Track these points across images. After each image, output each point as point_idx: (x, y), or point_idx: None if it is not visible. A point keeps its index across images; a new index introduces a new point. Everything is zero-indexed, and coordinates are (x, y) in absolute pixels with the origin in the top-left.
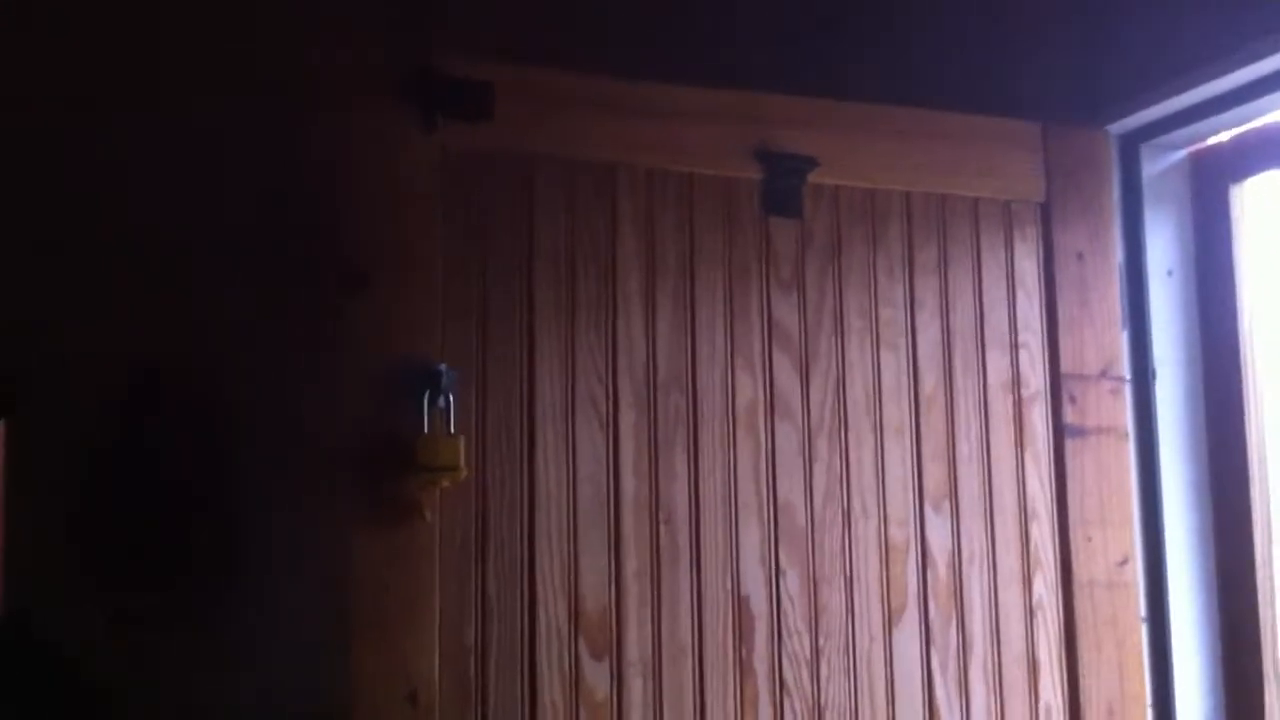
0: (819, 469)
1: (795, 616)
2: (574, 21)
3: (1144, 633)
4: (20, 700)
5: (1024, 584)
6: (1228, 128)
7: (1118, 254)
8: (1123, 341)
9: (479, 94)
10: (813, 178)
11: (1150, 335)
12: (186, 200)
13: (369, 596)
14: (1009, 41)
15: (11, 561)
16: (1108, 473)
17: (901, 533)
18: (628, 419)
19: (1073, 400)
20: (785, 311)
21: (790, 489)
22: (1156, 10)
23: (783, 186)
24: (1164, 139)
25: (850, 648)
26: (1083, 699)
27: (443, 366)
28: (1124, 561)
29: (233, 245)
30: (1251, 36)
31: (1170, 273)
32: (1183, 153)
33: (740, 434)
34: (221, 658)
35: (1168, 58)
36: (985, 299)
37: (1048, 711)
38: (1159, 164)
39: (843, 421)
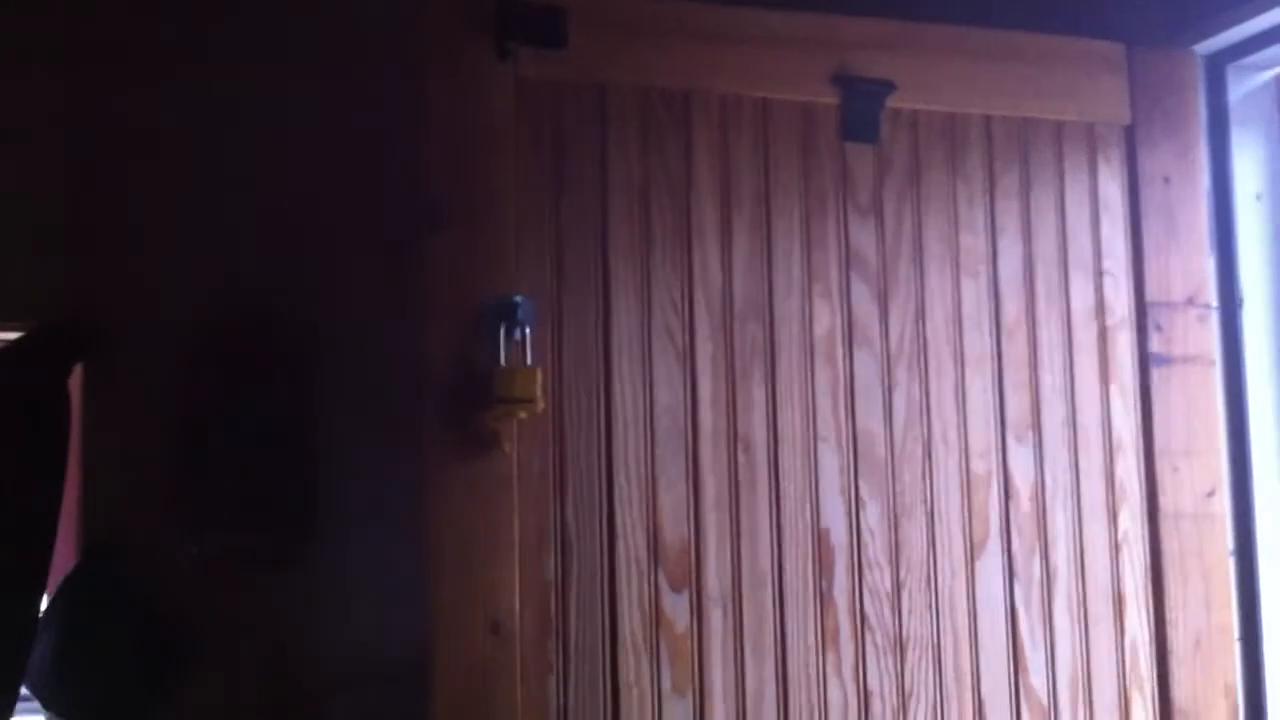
0: (898, 399)
1: (875, 549)
2: None
3: (1232, 565)
4: (107, 635)
5: (1109, 516)
6: None
7: (1204, 178)
8: (1209, 268)
9: (552, 20)
10: (891, 102)
11: (1237, 262)
12: (271, 142)
13: (449, 529)
14: None
15: (97, 498)
16: (1194, 402)
17: (983, 464)
18: (704, 350)
19: (1159, 328)
20: (863, 239)
21: (869, 419)
22: None
23: (860, 111)
24: (1251, 59)
25: (932, 581)
26: (1169, 632)
27: (519, 298)
28: (1211, 493)
29: (314, 185)
30: None
31: (1259, 197)
32: (1271, 73)
33: (818, 364)
34: (307, 595)
35: None
36: (1069, 225)
37: (1133, 645)
38: (1246, 85)
39: (922, 350)
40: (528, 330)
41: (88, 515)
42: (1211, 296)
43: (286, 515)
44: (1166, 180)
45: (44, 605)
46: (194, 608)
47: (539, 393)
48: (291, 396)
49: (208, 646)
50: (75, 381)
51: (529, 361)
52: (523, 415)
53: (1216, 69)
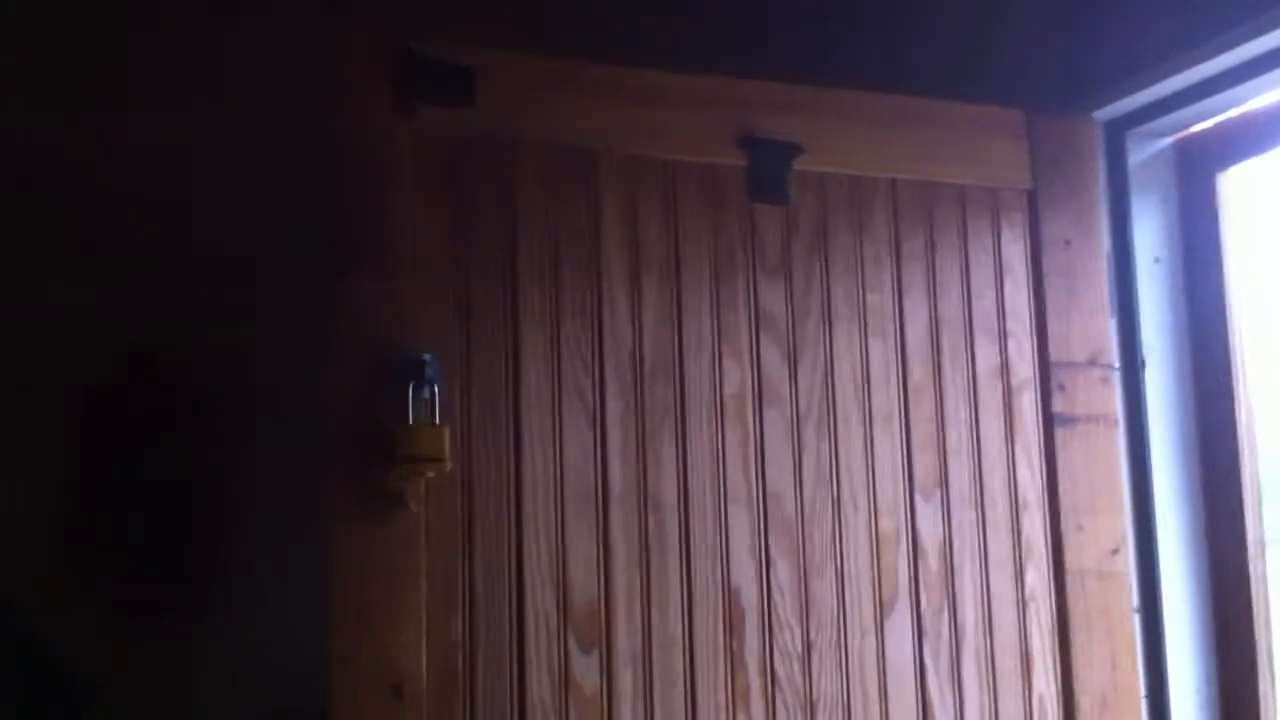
0: (808, 458)
1: (786, 608)
2: (556, 6)
3: (1137, 622)
4: None
5: (1016, 574)
6: (1212, 115)
7: (1105, 241)
8: (1111, 329)
9: (460, 78)
10: (798, 164)
11: (1139, 322)
12: (168, 191)
13: (353, 589)
14: (994, 28)
15: None
16: (1098, 461)
17: (892, 522)
18: (615, 408)
19: (1062, 388)
20: (772, 299)
21: (779, 478)
22: None
23: (768, 173)
24: (1149, 126)
25: (842, 640)
26: (1076, 689)
27: (427, 356)
28: (1116, 550)
29: (214, 236)
30: (1233, 22)
31: (1157, 260)
32: (1168, 140)
33: (728, 423)
34: (203, 651)
35: (1151, 44)
36: (973, 286)
37: (1041, 702)
38: (1144, 151)
39: (831, 410)
40: (436, 388)
41: None
42: (1113, 357)
43: (174, 571)
44: (1068, 243)
45: None
46: (88, 661)
47: (447, 452)
48: (192, 446)
49: (101, 701)
50: None
51: (437, 420)
52: (430, 475)
53: (1116, 135)
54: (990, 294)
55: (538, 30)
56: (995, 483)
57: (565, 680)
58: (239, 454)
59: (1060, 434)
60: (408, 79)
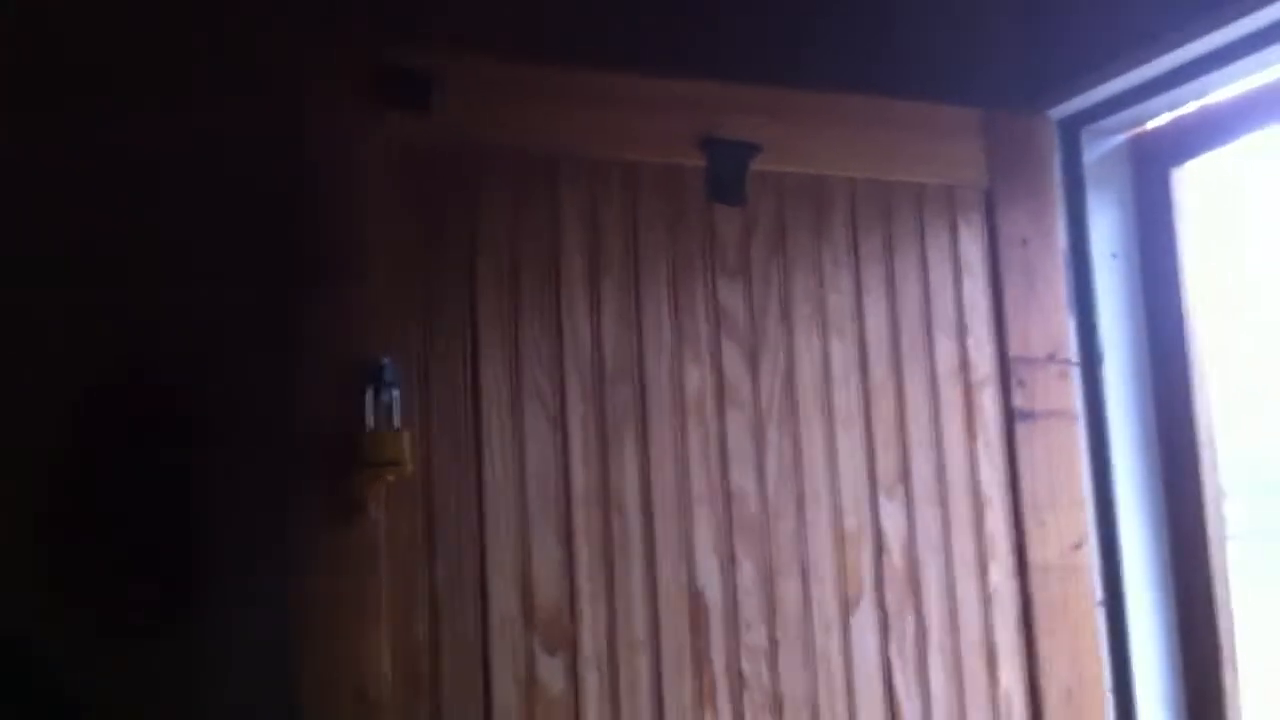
0: (770, 457)
1: (750, 608)
2: (517, 10)
3: (1100, 616)
4: None
5: (979, 570)
6: (1166, 110)
7: (1061, 238)
8: (1069, 325)
9: (422, 84)
10: (756, 164)
11: (1097, 318)
12: (135, 201)
13: (314, 595)
14: (949, 27)
15: None
16: (1058, 456)
17: (855, 520)
18: (576, 411)
19: (1021, 384)
20: (732, 299)
21: (742, 478)
22: None
23: (726, 173)
24: (1104, 123)
25: (808, 638)
26: (1041, 683)
27: (386, 360)
28: (1078, 545)
29: (180, 244)
30: (1187, 18)
31: (1114, 256)
32: (1123, 137)
33: (690, 424)
34: (172, 664)
35: (1105, 41)
36: (932, 284)
37: (1007, 697)
38: (1100, 148)
39: (793, 409)
40: (395, 393)
41: None
42: (1072, 353)
43: (144, 584)
44: (1025, 241)
45: None
46: (64, 673)
47: (407, 456)
48: (167, 458)
49: (78, 713)
50: None
51: (397, 425)
52: (390, 479)
53: (1071, 133)
54: (949, 292)
55: (501, 36)
56: (957, 479)
57: (531, 682)
58: (206, 464)
59: (1021, 430)
60: (372, 85)
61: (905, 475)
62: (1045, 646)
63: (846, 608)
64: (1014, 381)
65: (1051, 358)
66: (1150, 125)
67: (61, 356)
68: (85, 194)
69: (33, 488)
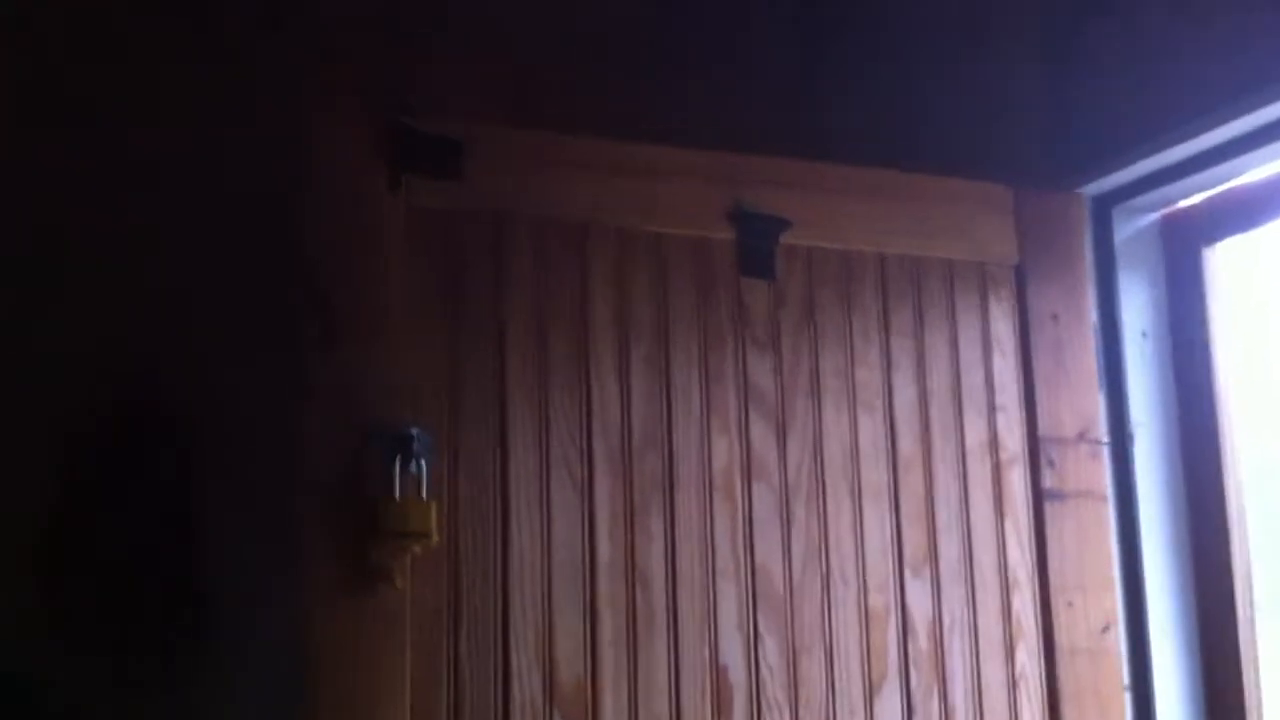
0: (797, 533)
1: (774, 686)
2: (545, 81)
3: (1128, 700)
4: None
5: (1006, 652)
6: (1199, 190)
7: (1092, 316)
8: (1100, 404)
9: (447, 151)
10: (785, 238)
11: (1127, 397)
12: (159, 249)
13: (337, 665)
14: (982, 104)
15: None
16: (1088, 537)
17: (881, 599)
18: (603, 483)
19: (1051, 464)
20: (761, 373)
21: (768, 554)
22: (1127, 73)
23: (756, 247)
24: (1136, 201)
25: (831, 719)
26: None
27: (415, 430)
28: (1106, 628)
29: (204, 298)
30: (1222, 99)
31: (1145, 335)
32: (1155, 215)
33: (717, 498)
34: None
35: (1138, 120)
36: (962, 361)
37: None
38: (1132, 226)
39: (820, 484)
40: (424, 463)
41: None
42: (1102, 432)
43: (153, 644)
44: (1055, 318)
45: None
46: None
47: (434, 527)
48: (164, 519)
49: None
50: None
51: (424, 495)
52: (417, 550)
53: (1103, 210)
54: (979, 368)
55: (526, 104)
56: (985, 559)
57: None
58: (222, 523)
59: (1050, 509)
60: (396, 151)
61: (932, 554)
62: None
63: (871, 688)
64: (1043, 461)
65: (1082, 437)
66: (1183, 204)
67: (73, 396)
68: (115, 235)
69: (33, 534)
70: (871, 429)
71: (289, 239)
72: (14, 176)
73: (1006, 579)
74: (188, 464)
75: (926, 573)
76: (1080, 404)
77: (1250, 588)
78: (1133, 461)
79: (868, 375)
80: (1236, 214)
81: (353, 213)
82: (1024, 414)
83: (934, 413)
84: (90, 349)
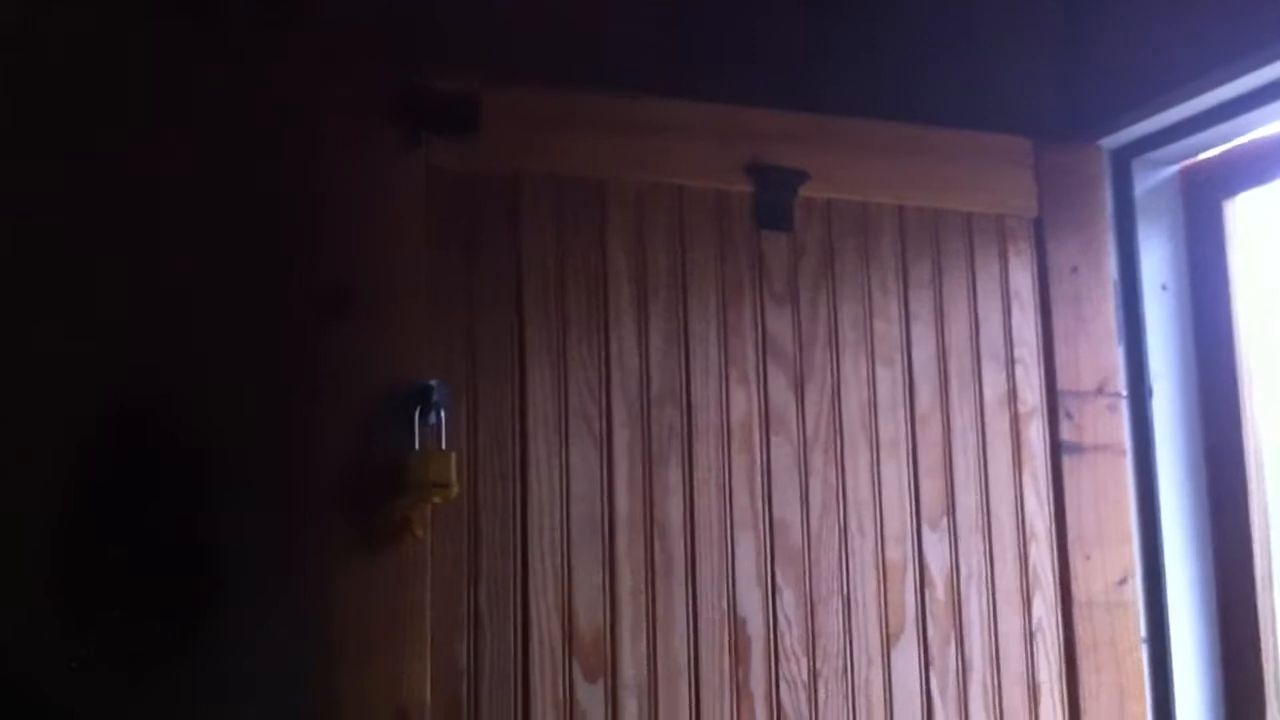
0: (815, 485)
1: (792, 638)
2: (563, 38)
3: (1144, 653)
4: None
5: (1023, 604)
6: (1219, 143)
7: (1111, 269)
8: (1118, 357)
9: (464, 109)
10: (804, 191)
11: (1146, 350)
12: (167, 226)
13: (358, 617)
14: (1000, 57)
15: None
16: (1105, 490)
17: (898, 551)
18: (621, 435)
19: (1069, 416)
20: (779, 326)
21: (786, 506)
22: (1146, 24)
23: (774, 200)
24: (1156, 154)
25: (848, 670)
26: None
27: (434, 382)
28: (1123, 580)
29: (216, 271)
30: (1242, 51)
31: (1165, 287)
32: (1175, 168)
33: (735, 449)
34: (207, 689)
35: (1158, 72)
36: (980, 313)
37: None
38: (1151, 179)
39: (838, 436)
40: (443, 414)
41: None
42: (1121, 385)
43: (177, 610)
44: (1075, 270)
45: None
46: (79, 704)
47: (454, 478)
48: (184, 484)
49: None
50: None
51: (444, 446)
52: (437, 501)
53: (1122, 163)
54: (997, 321)
55: (543, 63)
56: (1003, 512)
57: (570, 710)
58: (242, 488)
59: (1068, 463)
60: (412, 110)
61: (950, 507)
62: (1088, 683)
63: (888, 640)
64: (1062, 414)
65: (1100, 390)
66: (1202, 157)
67: (86, 381)
68: (99, 218)
69: (50, 512)
70: (890, 381)
71: (307, 206)
72: (14, 176)
73: (1024, 532)
74: (210, 439)
75: (944, 525)
76: (1099, 357)
77: (1268, 540)
78: (1151, 415)
79: (886, 328)
80: (1256, 166)
81: (368, 173)
82: (1042, 367)
83: (952, 365)
84: (105, 331)
